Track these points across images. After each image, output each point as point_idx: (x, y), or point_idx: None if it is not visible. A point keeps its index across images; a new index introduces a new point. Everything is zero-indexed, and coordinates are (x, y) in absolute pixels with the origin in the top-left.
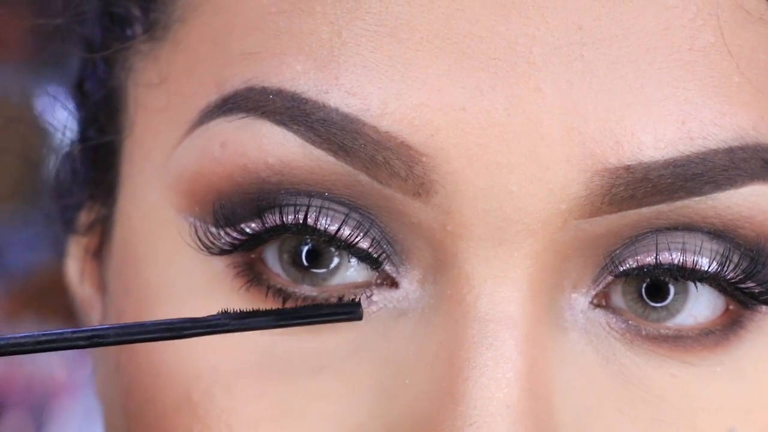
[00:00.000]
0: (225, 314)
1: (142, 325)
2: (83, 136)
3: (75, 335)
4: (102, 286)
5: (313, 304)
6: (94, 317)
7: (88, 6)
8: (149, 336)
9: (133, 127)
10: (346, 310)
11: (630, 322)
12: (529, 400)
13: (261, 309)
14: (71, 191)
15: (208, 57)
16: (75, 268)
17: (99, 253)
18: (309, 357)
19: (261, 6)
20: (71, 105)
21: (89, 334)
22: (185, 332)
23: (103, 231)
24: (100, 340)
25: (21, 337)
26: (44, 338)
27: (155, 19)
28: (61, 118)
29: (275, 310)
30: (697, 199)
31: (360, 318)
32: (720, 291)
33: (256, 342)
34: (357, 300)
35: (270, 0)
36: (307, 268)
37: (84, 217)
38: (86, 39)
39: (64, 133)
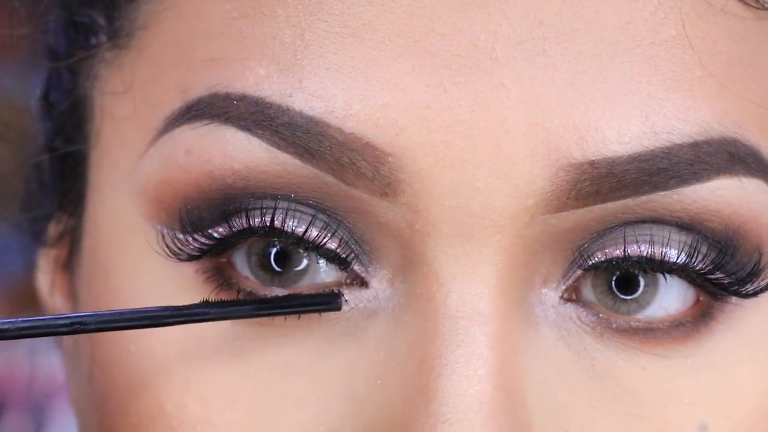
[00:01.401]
0: (205, 303)
1: (122, 312)
2: (50, 147)
3: (57, 322)
4: (72, 298)
5: (293, 294)
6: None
7: (52, 15)
8: (129, 324)
9: (99, 135)
10: (326, 300)
11: (600, 315)
12: (502, 396)
13: (242, 299)
14: (41, 203)
15: (172, 64)
16: (45, 280)
17: (69, 264)
18: (281, 362)
19: (223, 11)
20: (39, 116)
21: (71, 320)
22: (166, 320)
23: (72, 242)
24: (82, 327)
25: (3, 323)
26: (26, 324)
27: (119, 26)
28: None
29: (255, 299)
30: (663, 193)
31: (339, 308)
32: (689, 282)
33: (229, 349)
34: (336, 291)
35: (232, 5)
36: (276, 271)
37: (53, 229)
38: (51, 48)
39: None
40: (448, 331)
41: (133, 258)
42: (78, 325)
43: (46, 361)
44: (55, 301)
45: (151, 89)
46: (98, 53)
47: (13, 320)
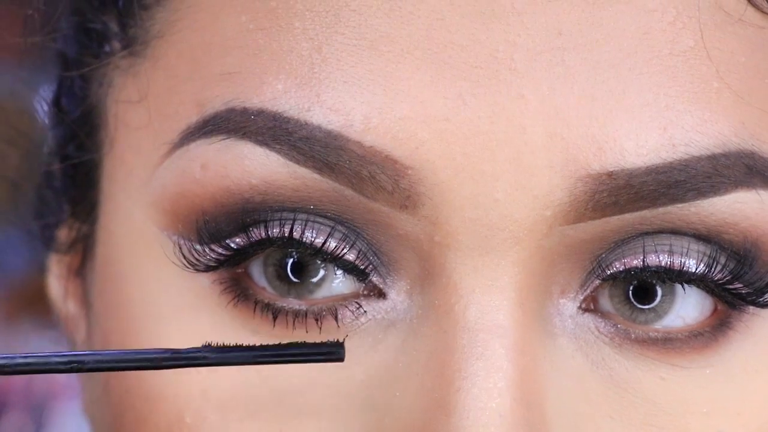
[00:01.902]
0: (206, 347)
1: (123, 353)
2: (62, 154)
3: (55, 359)
4: (86, 304)
5: (297, 342)
6: (79, 336)
7: (66, 22)
8: (127, 365)
9: (113, 143)
10: (329, 350)
11: (619, 325)
12: (522, 408)
13: (243, 344)
14: (52, 208)
15: (188, 76)
16: (58, 286)
17: (81, 270)
18: (300, 373)
19: (239, 23)
20: (49, 123)
21: (68, 359)
22: (164, 363)
23: (85, 249)
24: (79, 366)
25: (1, 359)
26: (24, 361)
27: (134, 34)
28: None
29: (257, 346)
30: (680, 205)
31: (341, 359)
32: (708, 292)
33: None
34: (340, 341)
35: (248, 17)
36: (292, 281)
37: (65, 235)
38: (63, 55)
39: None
40: (468, 343)
41: (148, 268)
42: (75, 364)
43: None
44: (68, 307)
45: (166, 100)
46: (112, 61)
47: (12, 356)
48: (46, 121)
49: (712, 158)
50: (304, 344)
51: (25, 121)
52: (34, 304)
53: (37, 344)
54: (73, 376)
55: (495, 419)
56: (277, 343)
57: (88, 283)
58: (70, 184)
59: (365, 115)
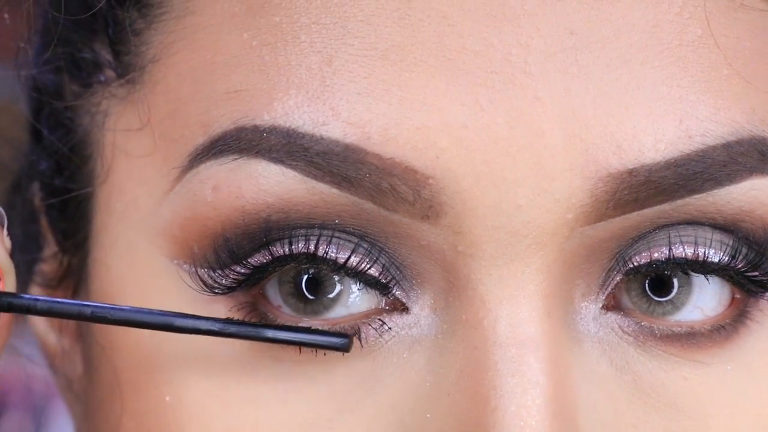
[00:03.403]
0: (226, 320)
1: (145, 312)
2: (48, 187)
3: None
4: (80, 339)
5: (307, 327)
6: (73, 371)
7: (55, 52)
8: (147, 322)
9: (109, 173)
10: (337, 341)
11: (642, 323)
12: (559, 423)
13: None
14: (37, 243)
15: (191, 98)
16: (45, 322)
17: None
18: (324, 401)
19: (241, 41)
20: (30, 155)
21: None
22: (179, 325)
23: (76, 283)
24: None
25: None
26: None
27: (128, 61)
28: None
29: (267, 324)
30: (698, 196)
31: (347, 350)
32: (727, 280)
33: (271, 395)
34: (350, 334)
35: (251, 33)
36: (308, 299)
37: (53, 270)
38: (48, 87)
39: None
40: (500, 359)
41: (157, 300)
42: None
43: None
44: (60, 343)
45: (170, 125)
46: (107, 90)
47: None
48: (27, 152)
49: (727, 146)
50: (314, 330)
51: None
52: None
53: (37, 345)
54: None
55: None
56: (289, 330)
57: (82, 322)
58: (58, 217)
59: (383, 127)
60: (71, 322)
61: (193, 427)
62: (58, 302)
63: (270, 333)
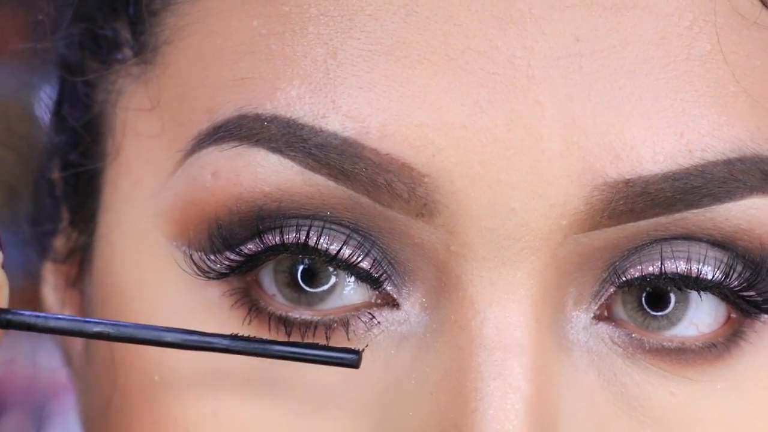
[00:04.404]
0: (231, 336)
1: (141, 327)
2: (64, 161)
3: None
4: (83, 315)
5: (316, 344)
6: (74, 348)
7: (75, 28)
8: (145, 339)
9: (119, 151)
10: (345, 356)
11: (633, 335)
12: (539, 429)
13: (265, 338)
14: (49, 216)
15: (198, 83)
16: (53, 296)
17: (78, 281)
18: (311, 391)
19: (251, 28)
20: (51, 129)
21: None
22: (186, 343)
23: (82, 259)
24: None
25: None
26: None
27: (144, 41)
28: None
29: (277, 341)
30: (695, 211)
31: (356, 366)
32: (722, 299)
33: (258, 381)
34: (359, 349)
35: (261, 21)
36: (303, 289)
37: (62, 245)
38: (68, 62)
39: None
40: (484, 362)
41: (153, 279)
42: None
43: (46, 361)
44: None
45: (178, 108)
46: (122, 68)
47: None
48: (47, 127)
49: (728, 163)
50: (323, 346)
51: (25, 125)
52: (34, 304)
53: (37, 345)
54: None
55: None
56: (297, 346)
57: (85, 296)
58: (71, 192)
59: (382, 122)
60: (75, 302)
61: (180, 407)
62: (57, 319)
63: (278, 348)
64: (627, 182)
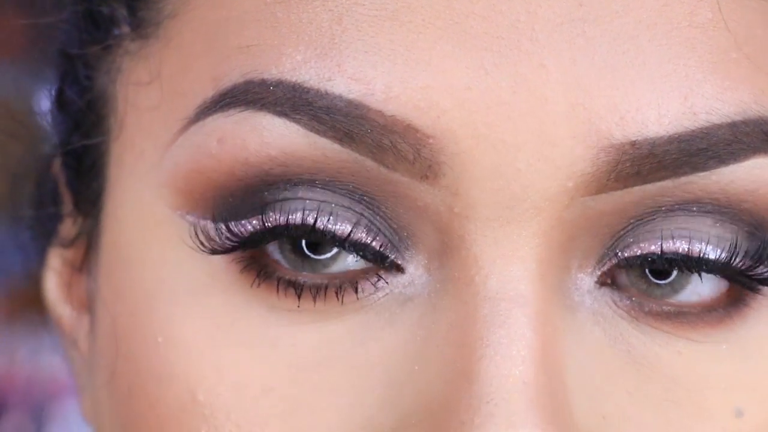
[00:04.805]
0: None
1: None
2: (67, 144)
3: None
4: (87, 303)
5: None
6: (80, 331)
7: (72, 8)
8: None
9: (122, 128)
10: None
11: (633, 298)
12: (545, 377)
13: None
14: (54, 202)
15: (203, 53)
16: (56, 282)
17: (84, 265)
18: (315, 350)
19: None
20: (53, 116)
21: None
22: None
23: (88, 243)
24: None
25: None
26: None
27: (143, 17)
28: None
29: None
30: (701, 174)
31: None
32: (725, 278)
33: (261, 337)
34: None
35: None
36: (308, 256)
37: (67, 230)
38: (69, 46)
39: (47, 142)
40: (489, 313)
41: (158, 249)
42: None
43: (46, 361)
44: (65, 309)
45: (180, 79)
46: (120, 45)
47: None
48: (49, 115)
49: (733, 125)
50: None
51: (26, 117)
52: (34, 304)
53: (37, 345)
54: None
55: (519, 386)
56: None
57: (91, 277)
58: (74, 175)
59: (387, 84)
60: (80, 286)
61: (183, 366)
62: None
63: None
64: (633, 144)
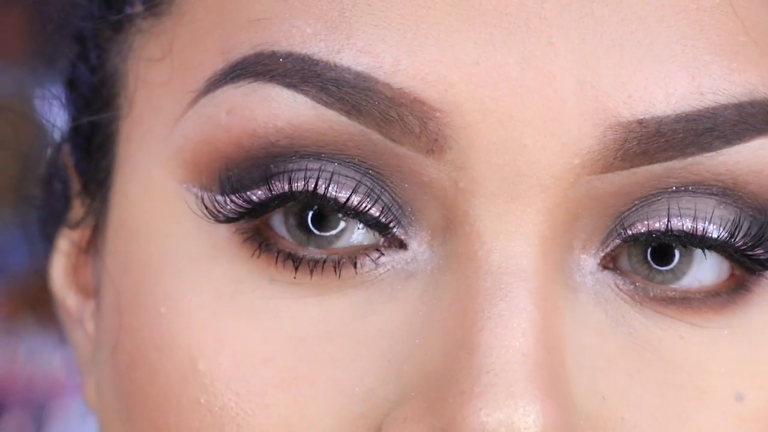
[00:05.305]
0: None
1: None
2: (76, 126)
3: None
4: (93, 285)
5: None
6: (85, 311)
7: None
8: None
9: (132, 105)
10: None
11: (637, 284)
12: (544, 351)
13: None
14: (63, 185)
15: (214, 27)
16: (62, 265)
17: (91, 247)
18: (316, 322)
19: None
20: (63, 100)
21: None
22: None
23: (95, 224)
24: None
25: None
26: None
27: None
28: (56, 115)
29: None
30: (708, 155)
31: None
32: (726, 257)
33: (263, 308)
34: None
35: None
36: (313, 232)
37: (75, 212)
38: (80, 26)
39: (57, 129)
40: (491, 286)
41: (163, 222)
42: None
43: (46, 361)
44: (71, 296)
45: (191, 53)
46: (133, 24)
47: None
48: (61, 100)
49: (739, 106)
50: None
51: (28, 113)
52: (34, 304)
53: (37, 345)
54: (73, 374)
55: (518, 357)
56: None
57: (99, 255)
58: (83, 156)
59: (395, 57)
60: (87, 266)
61: (185, 336)
62: None
63: None
64: (640, 122)
